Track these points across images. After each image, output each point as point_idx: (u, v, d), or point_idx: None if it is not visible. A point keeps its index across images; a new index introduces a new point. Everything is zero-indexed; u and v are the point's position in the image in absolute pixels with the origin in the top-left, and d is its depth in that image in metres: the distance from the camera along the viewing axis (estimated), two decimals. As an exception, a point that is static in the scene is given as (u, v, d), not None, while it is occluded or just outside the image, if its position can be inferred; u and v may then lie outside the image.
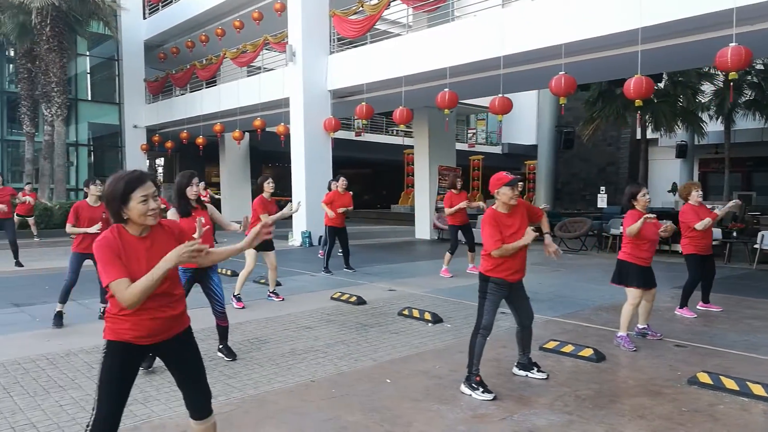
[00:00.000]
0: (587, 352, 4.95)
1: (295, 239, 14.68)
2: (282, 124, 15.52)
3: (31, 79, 19.56)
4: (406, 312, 6.56)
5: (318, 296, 7.82)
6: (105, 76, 24.01)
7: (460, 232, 9.37)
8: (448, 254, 9.49)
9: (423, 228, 16.96)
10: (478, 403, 3.92)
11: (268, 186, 7.03)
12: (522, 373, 4.50)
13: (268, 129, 17.28)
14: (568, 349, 5.06)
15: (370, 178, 37.71)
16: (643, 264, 5.38)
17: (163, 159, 29.37)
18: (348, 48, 14.15)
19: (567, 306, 7.18)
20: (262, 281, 8.34)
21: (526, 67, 10.40)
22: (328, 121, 14.12)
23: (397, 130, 32.84)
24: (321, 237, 12.47)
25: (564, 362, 4.86)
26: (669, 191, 25.90)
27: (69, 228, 6.08)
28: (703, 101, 20.98)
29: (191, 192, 4.82)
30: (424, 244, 15.91)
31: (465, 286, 8.50)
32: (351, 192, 9.71)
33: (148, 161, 24.20)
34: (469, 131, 35.97)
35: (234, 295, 7.00)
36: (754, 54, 7.62)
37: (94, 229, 6.01)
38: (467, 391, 4.08)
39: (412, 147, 28.11)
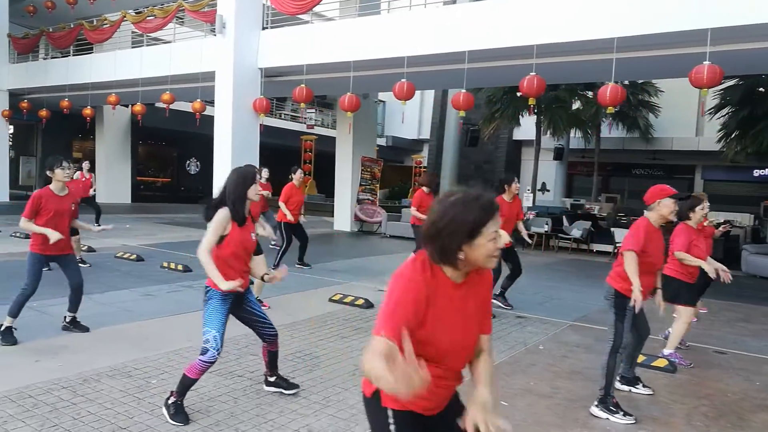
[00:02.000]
0: (661, 362, 4.92)
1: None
2: (198, 100, 14.09)
3: None
4: (433, 318, 6.12)
5: (309, 298, 7.11)
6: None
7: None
8: (413, 255, 9.09)
9: (343, 219, 16.39)
10: (623, 427, 3.67)
11: (260, 178, 6.11)
12: (625, 388, 4.33)
13: (154, 104, 15.51)
14: (640, 358, 4.97)
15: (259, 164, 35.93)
16: (691, 281, 5.09)
17: (12, 127, 25.48)
18: (287, 25, 13.12)
19: (570, 310, 7.15)
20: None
21: (493, 63, 10.27)
22: (259, 102, 13.02)
23: (286, 114, 31.66)
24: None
25: (639, 373, 4.75)
26: (539, 190, 27.74)
27: (24, 223, 4.78)
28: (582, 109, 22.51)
29: (254, 192, 3.58)
30: (349, 236, 15.36)
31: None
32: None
33: (10, 129, 20.78)
34: (356, 121, 35.69)
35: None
36: (725, 72, 8.16)
37: (55, 237, 4.69)
38: (602, 414, 3.80)
39: (308, 133, 27.32)
